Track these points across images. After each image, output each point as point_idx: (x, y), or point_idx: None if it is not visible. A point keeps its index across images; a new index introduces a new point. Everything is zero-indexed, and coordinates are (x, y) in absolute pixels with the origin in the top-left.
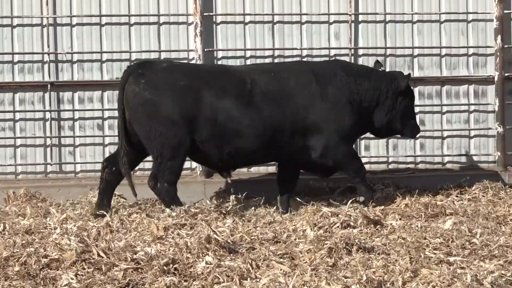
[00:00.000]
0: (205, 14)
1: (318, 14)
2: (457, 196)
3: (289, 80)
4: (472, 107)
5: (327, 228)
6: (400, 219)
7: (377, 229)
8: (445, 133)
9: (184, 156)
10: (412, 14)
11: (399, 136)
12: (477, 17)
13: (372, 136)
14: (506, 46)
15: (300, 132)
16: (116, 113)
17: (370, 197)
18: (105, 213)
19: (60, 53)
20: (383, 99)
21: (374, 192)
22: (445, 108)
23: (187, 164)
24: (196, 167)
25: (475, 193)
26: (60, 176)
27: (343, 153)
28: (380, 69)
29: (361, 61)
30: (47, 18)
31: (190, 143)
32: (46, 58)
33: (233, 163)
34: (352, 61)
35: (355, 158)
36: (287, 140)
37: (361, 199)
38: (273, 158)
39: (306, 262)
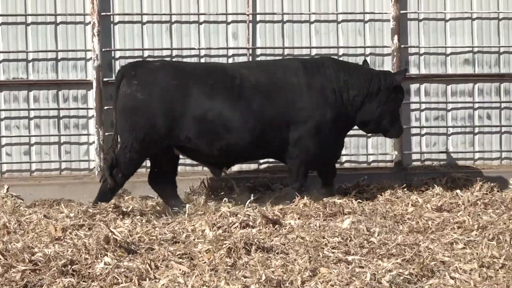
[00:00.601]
0: (102, 14)
1: (216, 14)
2: (355, 196)
3: (279, 75)
4: None
5: (226, 228)
6: (298, 218)
7: (276, 229)
8: None
9: (149, 155)
10: (309, 14)
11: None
12: (374, 17)
13: None
14: (402, 46)
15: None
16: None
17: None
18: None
19: None
20: (375, 93)
21: (273, 192)
22: None
23: (84, 164)
24: (94, 167)
25: (373, 192)
26: None
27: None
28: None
29: None
30: None
31: (171, 143)
32: None
33: (225, 160)
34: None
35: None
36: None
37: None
38: (263, 154)
39: (205, 262)
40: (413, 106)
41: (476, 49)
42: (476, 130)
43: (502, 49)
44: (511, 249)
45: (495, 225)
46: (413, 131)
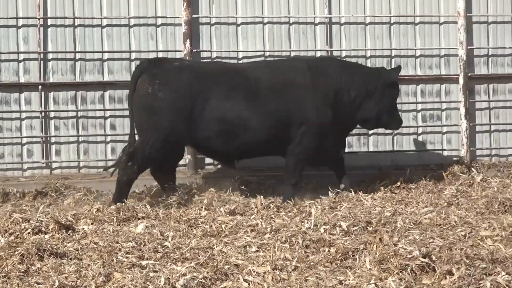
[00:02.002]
0: None
1: (7, 18)
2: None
3: (287, 75)
4: None
5: (18, 234)
6: (92, 223)
7: (69, 234)
8: None
9: (169, 153)
10: (101, 18)
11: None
12: (166, 21)
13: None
14: (195, 50)
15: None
16: None
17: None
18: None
19: None
20: (373, 91)
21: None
22: None
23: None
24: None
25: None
26: None
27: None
28: None
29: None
30: None
31: (195, 140)
32: None
33: (238, 157)
34: (42, 66)
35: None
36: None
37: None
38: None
39: None
40: None
41: (267, 53)
42: None
43: (293, 53)
44: (304, 251)
45: (288, 228)
46: None
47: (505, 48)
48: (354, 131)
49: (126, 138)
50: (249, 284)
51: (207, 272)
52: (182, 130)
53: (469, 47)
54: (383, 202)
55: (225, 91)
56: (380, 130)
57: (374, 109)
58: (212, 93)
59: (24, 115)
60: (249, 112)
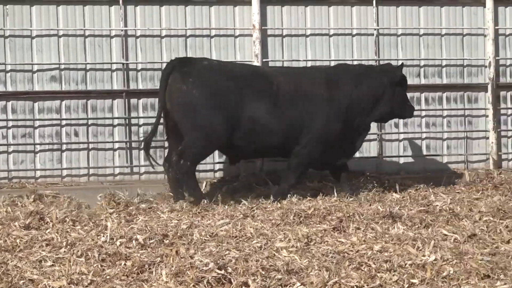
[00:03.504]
0: None
1: None
2: None
3: (305, 84)
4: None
5: None
6: None
7: None
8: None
9: (215, 148)
10: None
11: None
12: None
13: None
14: None
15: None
16: None
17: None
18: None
19: None
20: (381, 94)
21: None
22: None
23: None
24: None
25: None
26: None
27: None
28: None
29: None
30: None
31: (227, 139)
32: None
33: (254, 156)
34: None
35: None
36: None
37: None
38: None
39: None
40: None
41: (63, 66)
42: (64, 147)
43: (89, 66)
44: (100, 265)
45: (84, 242)
46: (1, 148)
47: (299, 60)
48: None
49: None
50: None
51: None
52: (221, 128)
53: (264, 60)
54: (179, 215)
55: (253, 92)
56: None
57: (386, 107)
58: (244, 93)
59: None
60: (271, 114)
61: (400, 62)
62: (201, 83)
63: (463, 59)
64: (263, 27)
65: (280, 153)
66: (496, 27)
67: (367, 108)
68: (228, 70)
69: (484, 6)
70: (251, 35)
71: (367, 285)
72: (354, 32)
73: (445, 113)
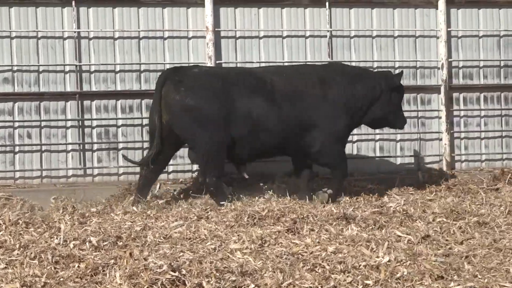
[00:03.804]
0: None
1: None
2: None
3: (300, 84)
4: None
5: None
6: None
7: None
8: None
9: (225, 152)
10: None
11: None
12: None
13: None
14: None
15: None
16: None
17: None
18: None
19: None
20: (378, 98)
21: None
22: None
23: None
24: None
25: None
26: None
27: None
28: None
29: None
30: None
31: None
32: None
33: (256, 157)
34: None
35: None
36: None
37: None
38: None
39: None
40: None
41: (15, 68)
42: (17, 149)
43: (41, 68)
44: (53, 267)
45: (37, 244)
46: None
47: (253, 62)
48: None
49: None
50: None
51: None
52: (221, 129)
53: (217, 62)
54: (133, 217)
55: (247, 94)
56: None
57: (379, 113)
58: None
59: None
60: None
61: (353, 64)
62: (194, 90)
63: (416, 61)
64: (216, 29)
65: (281, 153)
66: (449, 29)
67: (363, 109)
68: (219, 75)
69: (437, 8)
70: (204, 37)
71: (321, 287)
72: (307, 33)
73: None
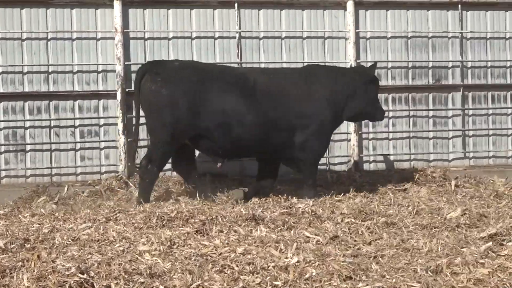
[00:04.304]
0: None
1: None
2: None
3: (282, 83)
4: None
5: None
6: None
7: None
8: None
9: (179, 145)
10: None
11: None
12: None
13: None
14: None
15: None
16: None
17: None
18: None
19: None
20: (355, 91)
21: None
22: None
23: None
24: None
25: None
26: None
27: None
28: None
29: None
30: None
31: (194, 133)
32: None
33: (232, 152)
34: None
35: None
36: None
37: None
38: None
39: None
40: None
41: None
42: None
43: None
44: None
45: None
46: None
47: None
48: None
49: None
50: None
51: None
52: (188, 122)
53: (126, 63)
54: (41, 219)
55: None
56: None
57: (358, 106)
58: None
59: None
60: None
61: (262, 65)
62: (169, 81)
63: (325, 62)
64: (125, 30)
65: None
66: (357, 30)
67: (341, 105)
68: (197, 69)
69: (345, 9)
70: (113, 38)
71: None
72: (217, 35)
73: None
